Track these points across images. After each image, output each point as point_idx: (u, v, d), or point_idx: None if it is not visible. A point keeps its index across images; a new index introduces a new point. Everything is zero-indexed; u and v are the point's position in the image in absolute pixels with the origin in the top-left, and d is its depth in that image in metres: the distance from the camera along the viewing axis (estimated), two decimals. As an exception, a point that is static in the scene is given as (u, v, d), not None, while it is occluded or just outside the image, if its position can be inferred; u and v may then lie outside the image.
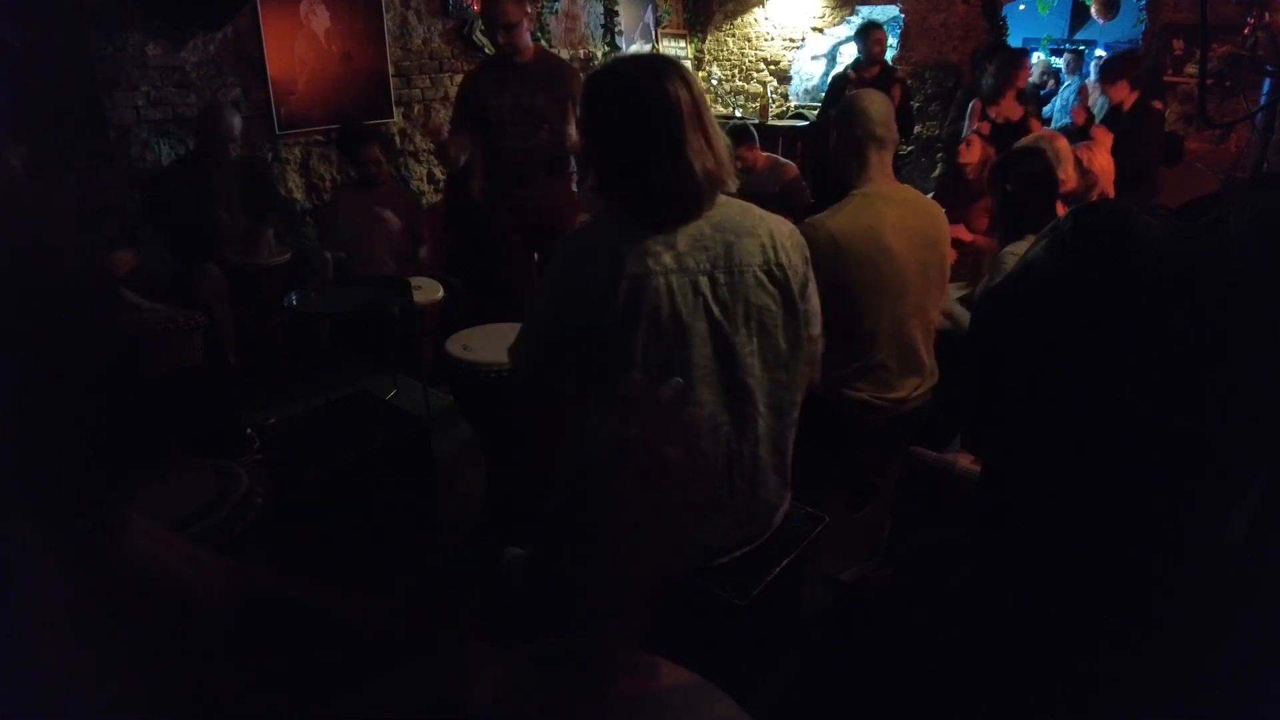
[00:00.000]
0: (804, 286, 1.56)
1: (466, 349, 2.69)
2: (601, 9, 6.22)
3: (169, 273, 3.86)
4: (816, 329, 1.65)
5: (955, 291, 3.02)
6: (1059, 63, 7.58)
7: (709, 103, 1.52)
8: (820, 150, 2.26)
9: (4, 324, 0.49)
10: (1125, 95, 4.13)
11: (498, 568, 2.43)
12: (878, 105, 2.17)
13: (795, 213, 3.82)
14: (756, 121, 6.59)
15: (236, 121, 3.83)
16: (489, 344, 2.71)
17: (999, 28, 6.14)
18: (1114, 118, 4.13)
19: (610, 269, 1.44)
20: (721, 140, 1.48)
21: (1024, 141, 3.04)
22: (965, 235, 3.60)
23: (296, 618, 0.77)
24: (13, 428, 0.49)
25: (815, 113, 6.66)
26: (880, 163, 2.17)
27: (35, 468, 0.50)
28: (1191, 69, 5.38)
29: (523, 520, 2.55)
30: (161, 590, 0.61)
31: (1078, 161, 3.14)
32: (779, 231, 1.54)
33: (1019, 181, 2.47)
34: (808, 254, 1.59)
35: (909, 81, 5.76)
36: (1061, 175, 2.86)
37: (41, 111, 3.49)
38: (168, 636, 0.62)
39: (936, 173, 6.38)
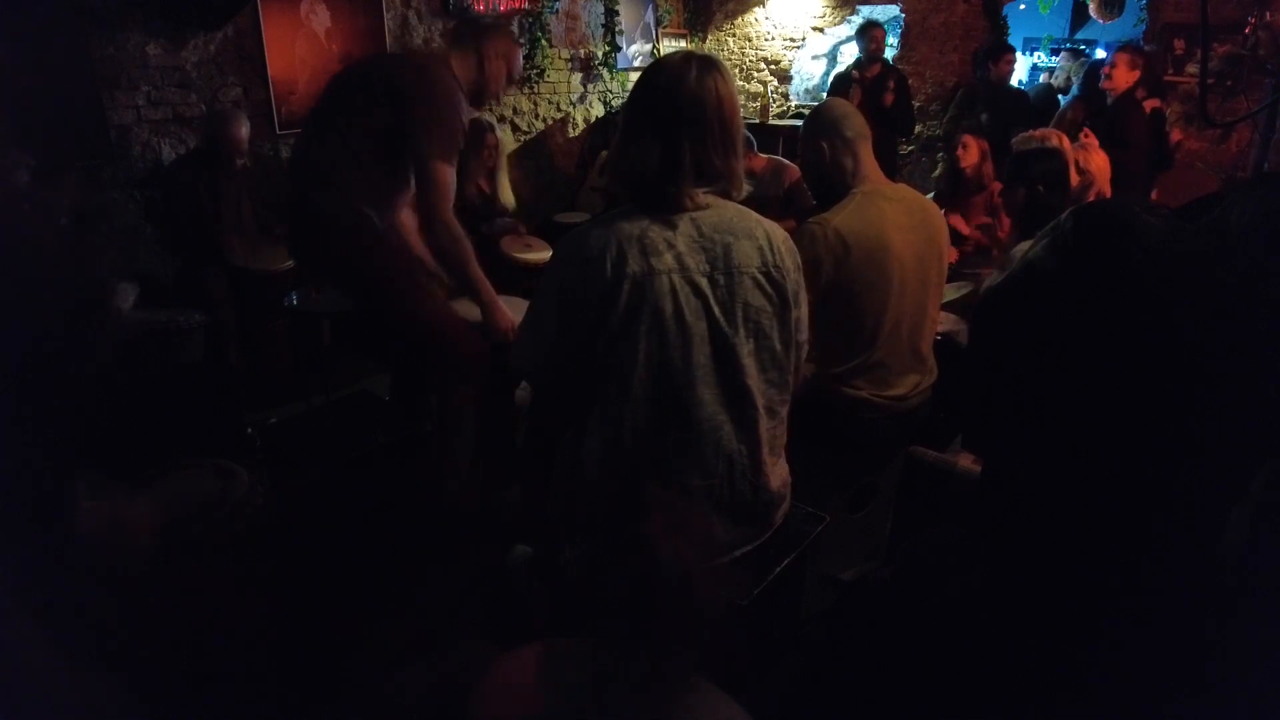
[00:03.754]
0: (796, 291, 1.57)
1: None
2: (602, 9, 6.22)
3: (170, 273, 3.87)
4: (804, 334, 1.66)
5: (953, 292, 3.02)
6: (1058, 61, 7.59)
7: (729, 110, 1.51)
8: (815, 158, 2.26)
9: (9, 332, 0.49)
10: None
11: (503, 566, 2.43)
12: (849, 106, 2.30)
13: (798, 215, 3.82)
14: (756, 122, 6.60)
15: (245, 133, 3.83)
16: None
17: (999, 27, 6.14)
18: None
19: (613, 269, 1.44)
20: (723, 147, 1.48)
21: (1024, 140, 3.04)
22: (964, 228, 3.59)
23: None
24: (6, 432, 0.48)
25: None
26: (870, 159, 2.21)
27: (22, 470, 0.50)
28: (1192, 69, 5.38)
29: (528, 518, 2.55)
30: (102, 546, 0.62)
31: (1074, 162, 3.15)
32: (774, 234, 1.55)
33: (1045, 179, 2.51)
34: (799, 259, 1.60)
35: (909, 81, 5.78)
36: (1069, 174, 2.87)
37: (42, 112, 3.49)
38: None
39: (937, 172, 6.38)
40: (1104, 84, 4.25)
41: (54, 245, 0.55)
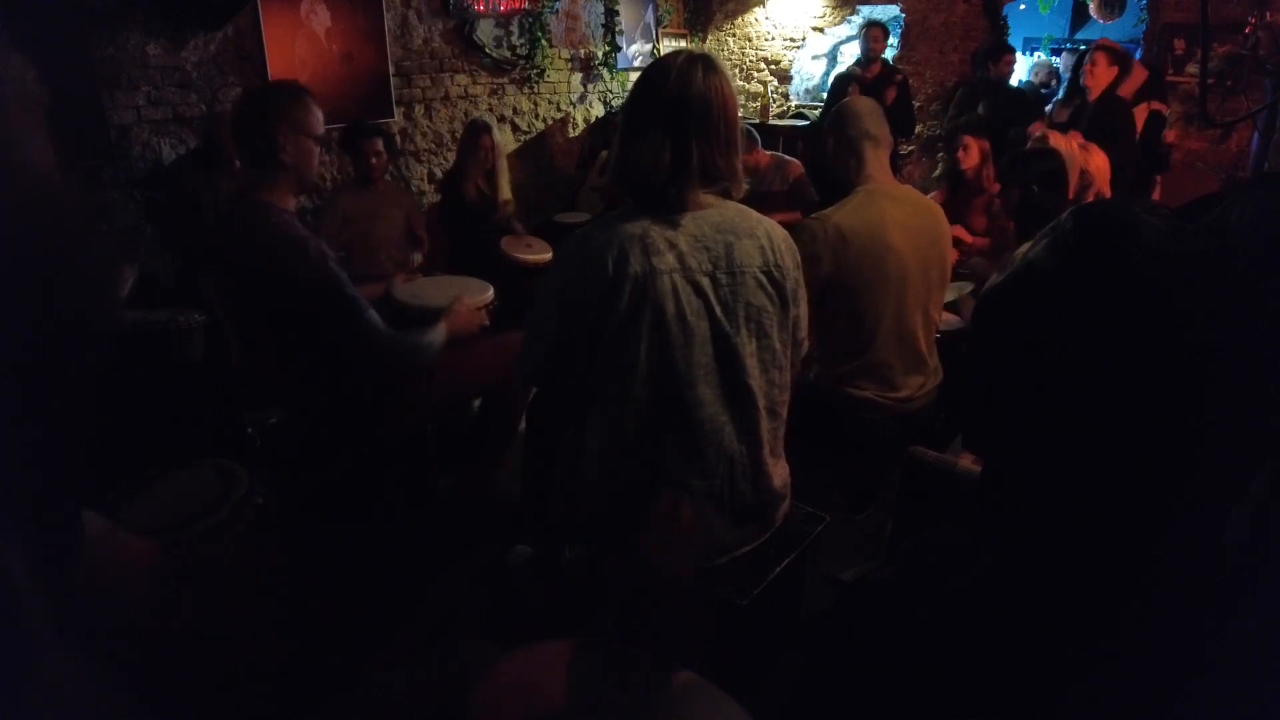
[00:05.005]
0: (796, 290, 1.58)
1: (416, 296, 2.95)
2: (602, 9, 6.22)
3: (170, 273, 3.87)
4: (803, 333, 1.66)
5: (955, 292, 3.02)
6: (1059, 62, 7.60)
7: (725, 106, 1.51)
8: (818, 154, 2.30)
9: (14, 327, 0.49)
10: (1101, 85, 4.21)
11: (503, 566, 2.43)
12: (868, 105, 2.29)
13: (804, 209, 3.83)
14: (757, 121, 6.60)
15: None
16: (439, 292, 2.95)
17: (999, 27, 6.15)
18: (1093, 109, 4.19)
19: (614, 269, 1.44)
20: (726, 147, 1.48)
21: (1038, 139, 3.06)
22: (966, 237, 3.61)
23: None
24: (12, 431, 0.48)
25: (817, 112, 6.67)
26: (878, 160, 2.21)
27: (28, 471, 0.50)
28: (1192, 69, 5.39)
29: (528, 518, 2.55)
30: (100, 572, 0.62)
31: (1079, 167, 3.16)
32: (775, 234, 1.55)
33: (1041, 179, 2.53)
34: (799, 258, 1.60)
35: (910, 81, 5.78)
36: (1070, 178, 2.88)
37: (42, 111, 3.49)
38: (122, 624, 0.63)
39: (938, 172, 6.38)
40: (1085, 81, 4.25)
41: (64, 238, 0.55)
